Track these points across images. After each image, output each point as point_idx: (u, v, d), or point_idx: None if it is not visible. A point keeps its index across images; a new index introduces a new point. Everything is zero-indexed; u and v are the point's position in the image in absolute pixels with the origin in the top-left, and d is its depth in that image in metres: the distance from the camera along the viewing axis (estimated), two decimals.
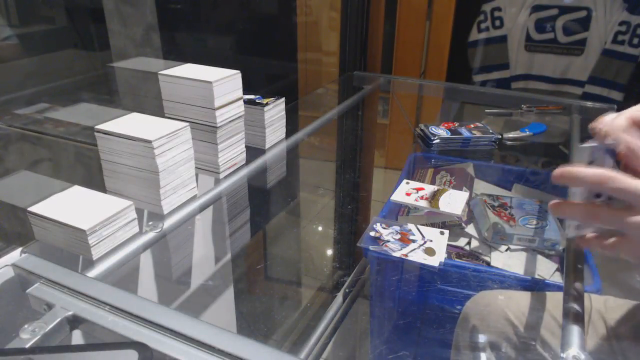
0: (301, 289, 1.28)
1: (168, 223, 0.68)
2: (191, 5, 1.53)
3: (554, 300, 0.65)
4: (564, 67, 1.70)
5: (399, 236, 0.73)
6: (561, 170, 0.45)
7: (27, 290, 0.52)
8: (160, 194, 0.67)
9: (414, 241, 0.71)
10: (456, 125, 1.12)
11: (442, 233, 0.73)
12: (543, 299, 0.67)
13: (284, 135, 0.97)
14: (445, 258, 0.80)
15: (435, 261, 0.67)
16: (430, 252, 0.69)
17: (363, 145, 1.38)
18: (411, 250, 0.69)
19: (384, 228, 0.75)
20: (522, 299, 0.67)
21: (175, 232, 0.68)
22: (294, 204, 1.08)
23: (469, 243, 0.85)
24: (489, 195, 0.91)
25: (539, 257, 0.81)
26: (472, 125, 1.12)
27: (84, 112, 1.20)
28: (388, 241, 0.72)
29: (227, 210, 0.83)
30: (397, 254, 0.69)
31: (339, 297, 0.92)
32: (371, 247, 0.71)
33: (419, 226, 0.75)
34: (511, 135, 1.13)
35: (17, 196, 0.99)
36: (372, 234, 0.73)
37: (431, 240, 0.72)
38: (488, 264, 0.79)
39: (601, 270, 0.70)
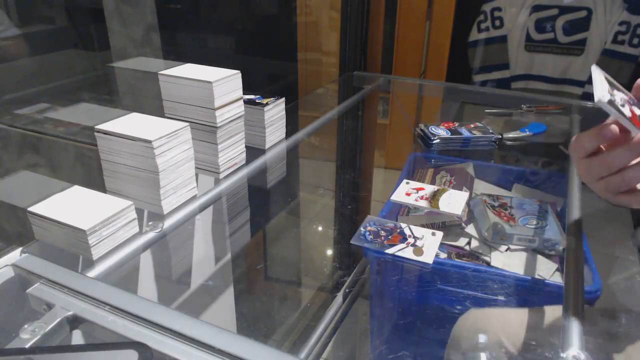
0: (301, 289, 1.28)
1: (168, 223, 0.68)
2: (191, 5, 1.53)
3: (545, 317, 0.64)
4: (564, 67, 1.70)
5: (391, 235, 0.73)
6: None
7: (27, 290, 0.52)
8: (160, 194, 0.67)
9: (404, 240, 0.72)
10: (456, 125, 1.12)
11: (433, 234, 0.74)
12: (533, 316, 0.65)
13: (284, 135, 0.97)
14: (445, 258, 0.80)
15: (426, 259, 0.68)
16: (418, 252, 0.70)
17: (363, 145, 1.38)
18: (400, 249, 0.70)
19: (377, 226, 0.75)
20: (511, 317, 0.65)
21: (175, 232, 0.68)
22: (294, 204, 1.08)
23: (469, 243, 0.85)
24: (489, 195, 0.91)
25: (539, 257, 0.81)
26: (472, 125, 1.12)
27: (84, 112, 1.20)
28: (380, 239, 0.72)
29: (227, 210, 0.83)
30: (388, 251, 0.70)
31: (339, 297, 0.92)
32: (364, 245, 0.71)
33: (412, 226, 0.76)
34: (511, 135, 1.13)
35: (17, 196, 0.99)
36: (365, 231, 0.74)
37: (421, 239, 0.72)
38: (488, 264, 0.79)
39: (601, 270, 0.70)
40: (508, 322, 0.65)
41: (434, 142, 1.06)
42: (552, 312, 0.64)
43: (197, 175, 0.74)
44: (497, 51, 1.78)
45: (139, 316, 0.47)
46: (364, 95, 1.41)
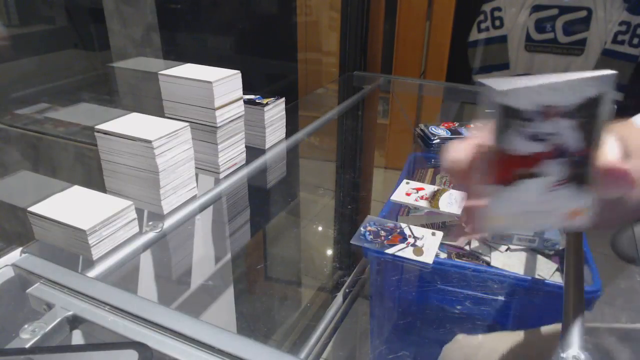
0: (301, 289, 1.28)
1: (168, 223, 0.68)
2: (191, 5, 1.53)
3: (541, 341, 0.61)
4: (564, 67, 1.70)
5: (391, 235, 0.73)
6: None
7: (27, 290, 0.52)
8: (160, 194, 0.67)
9: (404, 240, 0.72)
10: (456, 125, 1.12)
11: (433, 234, 0.74)
12: (528, 341, 0.62)
13: (284, 135, 0.97)
14: (445, 258, 0.80)
15: (426, 259, 0.68)
16: (418, 252, 0.70)
17: (363, 145, 1.38)
18: (400, 249, 0.70)
19: (377, 226, 0.75)
20: (503, 343, 0.62)
21: (175, 232, 0.68)
22: (294, 204, 1.09)
23: (469, 243, 0.85)
24: None
25: (539, 257, 0.81)
26: (472, 125, 1.12)
27: (84, 112, 1.20)
28: (380, 239, 0.72)
29: (227, 210, 0.83)
30: (388, 251, 0.70)
31: (339, 297, 0.92)
32: (364, 245, 0.71)
33: (412, 226, 0.76)
34: None
35: (17, 196, 0.99)
36: (365, 231, 0.74)
37: (421, 239, 0.72)
38: (488, 264, 0.79)
39: (601, 271, 0.70)
40: (498, 350, 0.61)
41: (434, 142, 1.06)
42: (549, 334, 0.61)
43: (197, 175, 0.74)
44: (497, 51, 1.78)
45: (139, 316, 0.47)
46: (364, 95, 1.41)
